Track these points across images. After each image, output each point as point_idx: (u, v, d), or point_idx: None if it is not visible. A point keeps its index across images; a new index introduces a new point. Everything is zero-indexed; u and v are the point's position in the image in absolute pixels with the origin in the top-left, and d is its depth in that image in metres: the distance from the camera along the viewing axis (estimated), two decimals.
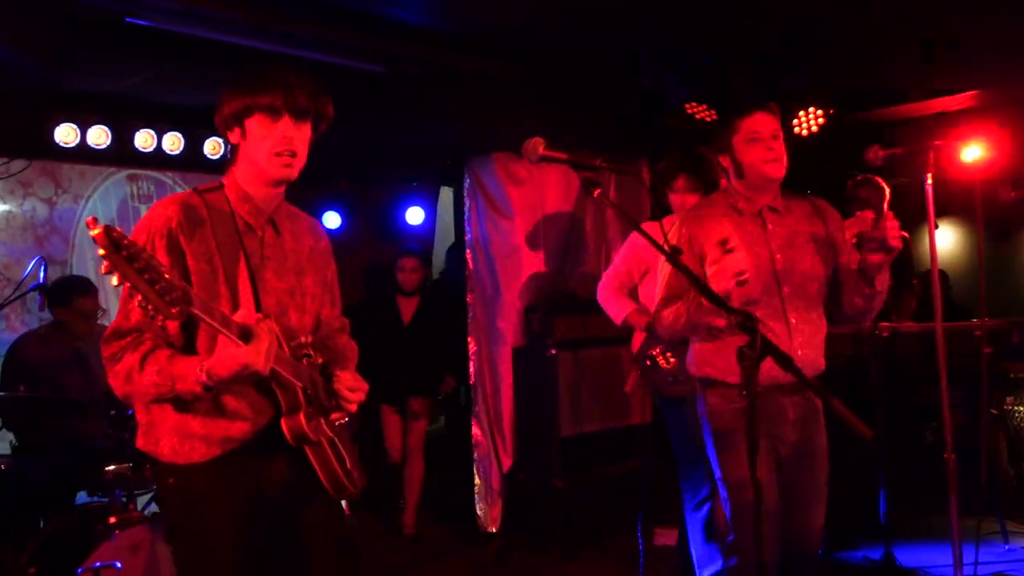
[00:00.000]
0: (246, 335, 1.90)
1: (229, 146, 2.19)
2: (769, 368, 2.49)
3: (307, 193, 5.77)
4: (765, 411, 2.67)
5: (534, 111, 4.94)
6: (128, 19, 3.63)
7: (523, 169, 5.62)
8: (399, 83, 4.58)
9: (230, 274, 2.09)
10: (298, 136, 2.12)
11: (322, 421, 2.16)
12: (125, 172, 5.28)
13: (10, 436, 4.13)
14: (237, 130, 2.14)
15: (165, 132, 5.08)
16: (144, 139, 5.02)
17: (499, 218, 5.57)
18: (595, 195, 2.04)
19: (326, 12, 3.80)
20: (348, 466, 2.22)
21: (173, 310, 1.74)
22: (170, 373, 1.96)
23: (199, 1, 3.54)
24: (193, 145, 5.20)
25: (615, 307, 4.15)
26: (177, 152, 5.15)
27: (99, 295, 4.38)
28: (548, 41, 4.48)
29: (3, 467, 3.56)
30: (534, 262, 5.58)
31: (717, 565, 3.53)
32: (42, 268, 3.79)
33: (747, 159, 2.78)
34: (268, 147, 2.10)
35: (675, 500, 3.81)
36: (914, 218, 3.37)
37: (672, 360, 3.70)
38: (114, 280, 1.67)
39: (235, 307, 2.04)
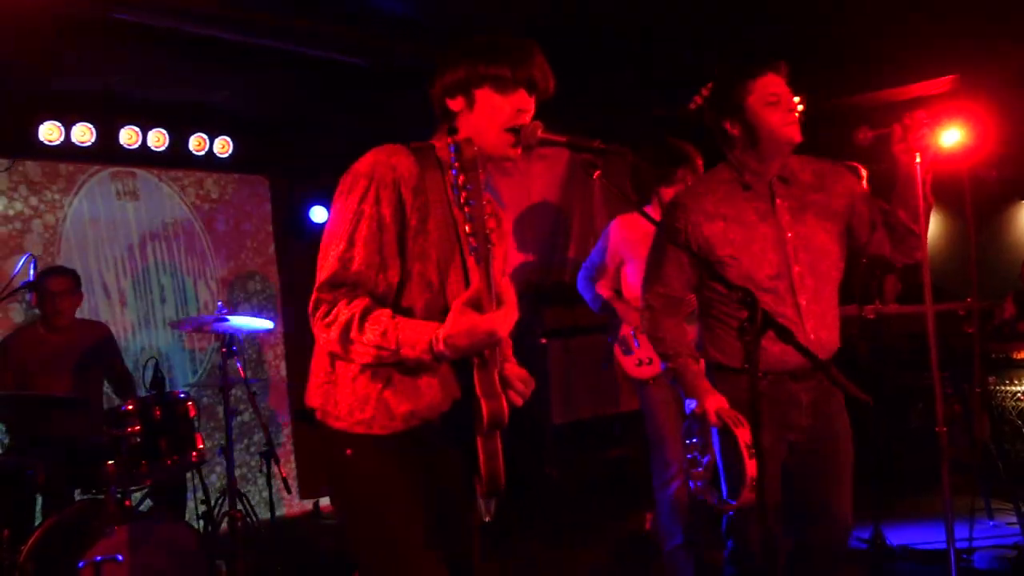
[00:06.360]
0: (497, 301, 1.75)
1: (444, 111, 2.01)
2: (779, 352, 2.41)
3: (294, 188, 5.76)
4: (774, 398, 2.51)
5: None
6: (114, 15, 3.63)
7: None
8: (382, 77, 4.58)
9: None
10: (529, 111, 1.97)
11: None
12: (110, 170, 5.24)
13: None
14: (461, 99, 1.97)
15: (150, 129, 5.06)
16: (129, 136, 5.00)
17: None
18: (595, 177, 2.03)
19: (312, 4, 3.81)
20: (504, 464, 2.00)
21: (493, 238, 1.73)
22: (396, 338, 1.80)
23: None
24: (178, 141, 5.19)
25: (590, 296, 4.25)
26: (162, 148, 5.14)
27: (80, 288, 4.36)
28: (532, 35, 4.49)
29: None
30: (523, 252, 5.62)
31: (677, 539, 3.62)
32: (32, 265, 3.76)
33: (765, 123, 2.52)
34: (500, 121, 1.94)
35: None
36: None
37: (640, 341, 3.87)
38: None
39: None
